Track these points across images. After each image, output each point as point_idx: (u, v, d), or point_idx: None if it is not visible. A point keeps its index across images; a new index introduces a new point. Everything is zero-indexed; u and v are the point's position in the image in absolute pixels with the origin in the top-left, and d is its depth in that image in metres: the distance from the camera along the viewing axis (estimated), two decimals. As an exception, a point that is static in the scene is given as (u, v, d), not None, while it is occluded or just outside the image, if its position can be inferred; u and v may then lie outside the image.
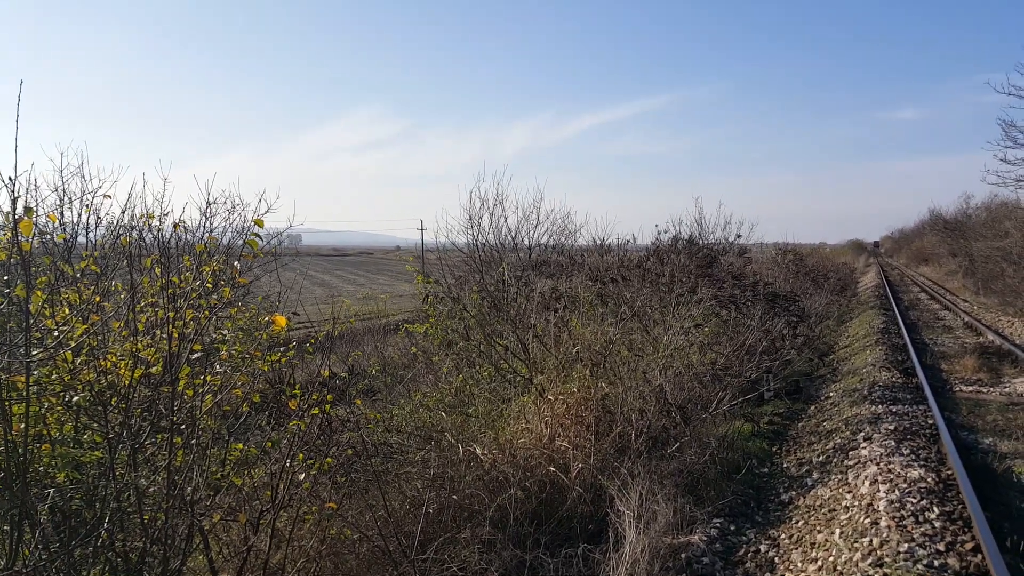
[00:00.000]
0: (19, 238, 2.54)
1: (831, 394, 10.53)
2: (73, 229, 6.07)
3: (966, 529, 4.91)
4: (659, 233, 14.96)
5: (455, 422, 6.81)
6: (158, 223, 4.96)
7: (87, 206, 5.55)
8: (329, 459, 4.32)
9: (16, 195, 2.58)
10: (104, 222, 6.30)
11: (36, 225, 3.08)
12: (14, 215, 2.58)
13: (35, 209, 2.72)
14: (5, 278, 2.95)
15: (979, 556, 4.46)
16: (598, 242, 15.12)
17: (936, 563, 4.37)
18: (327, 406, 4.19)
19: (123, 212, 6.59)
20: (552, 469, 5.70)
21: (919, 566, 4.34)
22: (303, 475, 4.13)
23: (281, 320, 3.24)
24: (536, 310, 8.59)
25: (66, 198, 6.15)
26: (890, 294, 26.45)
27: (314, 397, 4.21)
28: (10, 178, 2.56)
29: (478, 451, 5.77)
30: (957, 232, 36.16)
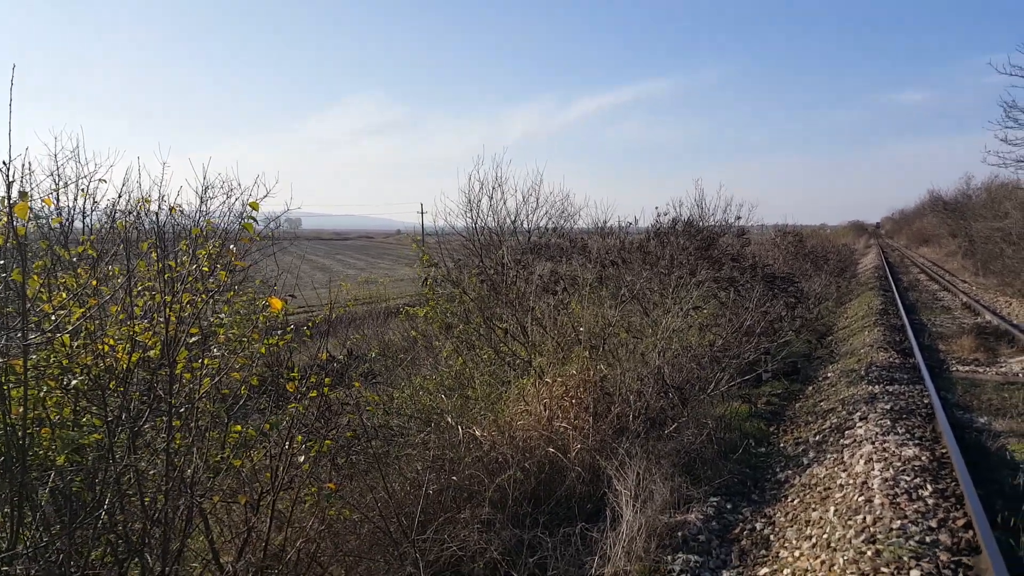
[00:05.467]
0: (15, 222, 2.56)
1: (829, 374, 10.57)
2: (70, 214, 6.07)
3: (958, 506, 4.96)
4: (659, 215, 14.92)
5: (455, 405, 6.85)
6: (156, 207, 4.98)
7: (83, 190, 5.55)
8: (329, 441, 4.36)
9: (11, 179, 2.59)
10: (101, 207, 6.30)
11: (32, 210, 3.10)
12: (9, 199, 2.60)
13: (30, 193, 2.73)
14: (1, 262, 2.97)
15: (970, 532, 4.51)
16: (599, 225, 15.08)
17: (928, 539, 4.42)
18: (325, 389, 4.22)
19: (119, 196, 6.59)
20: (551, 450, 5.74)
21: (911, 542, 4.39)
22: (302, 457, 4.17)
23: (277, 303, 3.25)
24: (535, 293, 8.61)
25: (61, 183, 6.15)
26: (890, 275, 26.46)
27: (312, 380, 4.24)
28: (3, 162, 2.57)
29: (477, 433, 5.81)
30: (957, 213, 36.14)
